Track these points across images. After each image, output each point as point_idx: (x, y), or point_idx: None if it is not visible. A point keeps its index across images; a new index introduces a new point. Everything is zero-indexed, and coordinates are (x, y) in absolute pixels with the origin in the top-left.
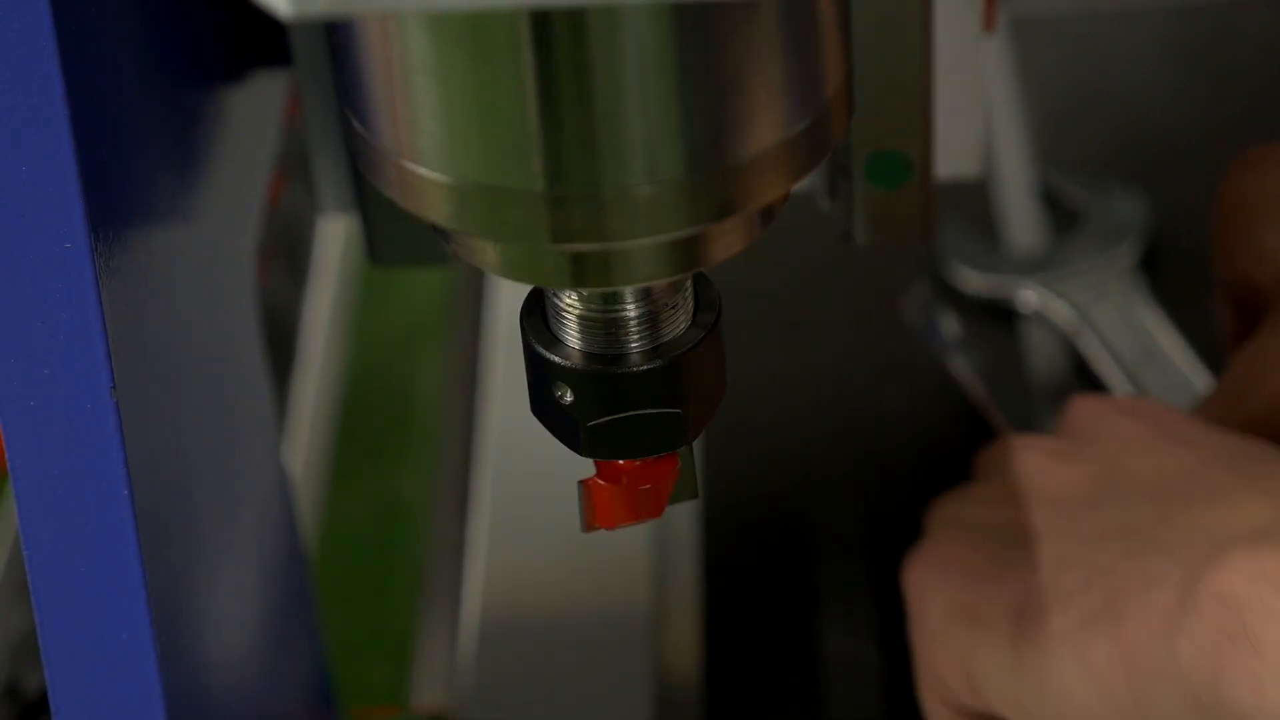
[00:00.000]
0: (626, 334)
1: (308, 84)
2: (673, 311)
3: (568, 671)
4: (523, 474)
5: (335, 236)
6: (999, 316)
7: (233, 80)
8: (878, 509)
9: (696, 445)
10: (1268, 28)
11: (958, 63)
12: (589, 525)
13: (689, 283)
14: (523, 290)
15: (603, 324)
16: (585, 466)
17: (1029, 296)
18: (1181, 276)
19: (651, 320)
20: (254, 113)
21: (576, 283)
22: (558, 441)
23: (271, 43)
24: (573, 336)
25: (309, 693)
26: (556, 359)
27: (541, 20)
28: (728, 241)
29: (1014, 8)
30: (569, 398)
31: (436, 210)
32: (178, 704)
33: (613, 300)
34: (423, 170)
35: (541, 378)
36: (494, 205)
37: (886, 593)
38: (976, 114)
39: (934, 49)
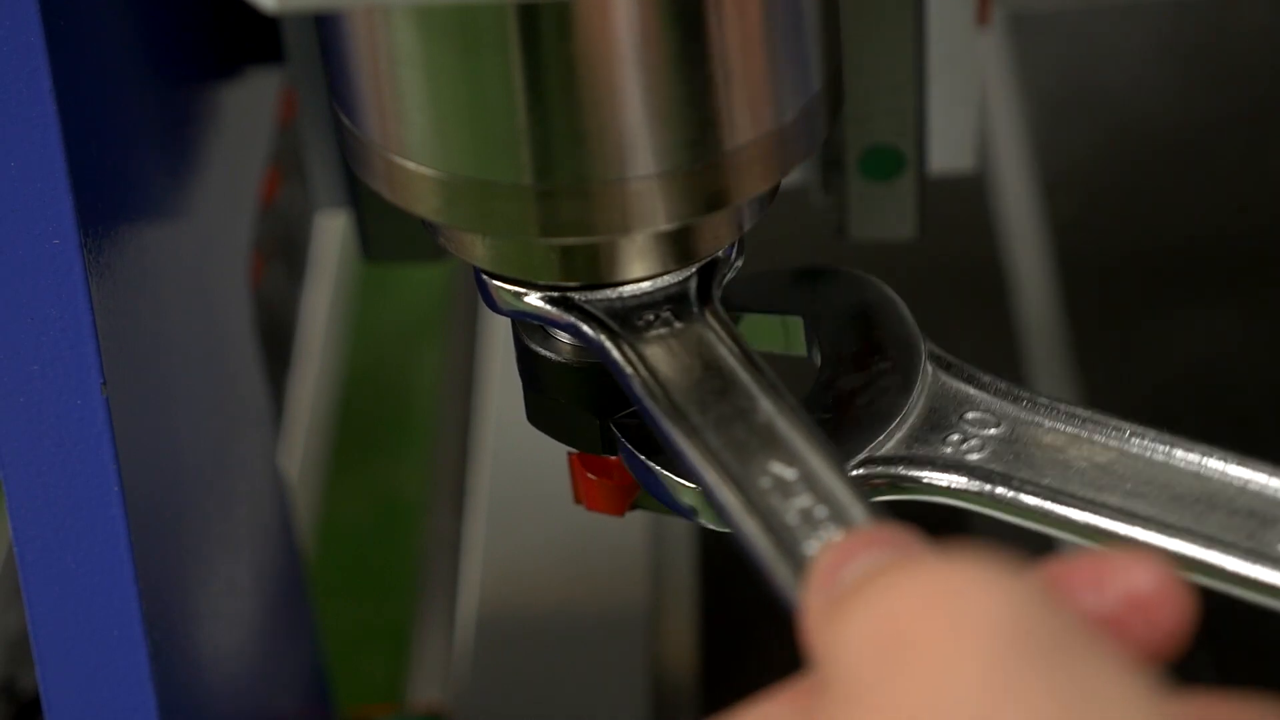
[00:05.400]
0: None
1: (302, 81)
2: None
3: (564, 668)
4: (520, 471)
5: (333, 234)
6: None
7: (225, 77)
8: None
9: None
10: (1263, 23)
11: (952, 56)
12: (575, 497)
13: None
14: None
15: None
16: None
17: None
18: (1178, 272)
19: None
20: (246, 110)
21: (565, 276)
22: (555, 439)
23: (264, 40)
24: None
25: (305, 690)
26: (520, 327)
27: (528, 14)
28: (715, 236)
29: (1010, 2)
30: (519, 358)
31: (425, 204)
32: (171, 702)
33: None
34: (411, 164)
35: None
36: (482, 199)
37: None
38: (971, 108)
39: (928, 43)
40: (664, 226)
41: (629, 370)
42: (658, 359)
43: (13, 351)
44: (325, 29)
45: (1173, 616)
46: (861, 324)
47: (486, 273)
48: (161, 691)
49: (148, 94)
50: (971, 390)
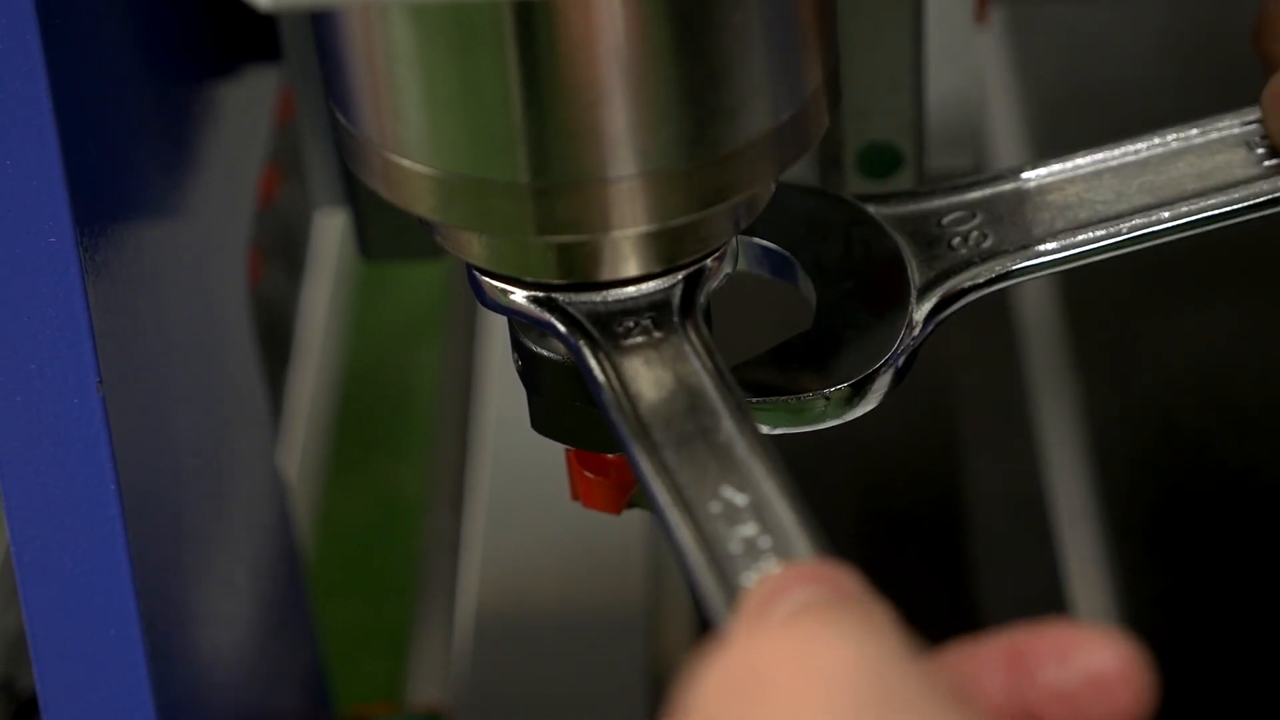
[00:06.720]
0: None
1: (301, 80)
2: None
3: (563, 667)
4: (520, 471)
5: (331, 233)
6: None
7: (222, 76)
8: (867, 505)
9: None
10: None
11: (951, 54)
12: (572, 494)
13: None
14: None
15: None
16: None
17: None
18: (1178, 272)
19: None
20: (244, 108)
21: (562, 274)
22: (564, 443)
23: (262, 38)
24: None
25: (304, 689)
26: (519, 330)
27: (523, 11)
28: (708, 236)
29: (1010, 1)
30: (520, 363)
31: (422, 203)
32: (169, 701)
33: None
34: (407, 163)
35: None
36: (479, 197)
37: (875, 588)
38: (969, 105)
39: (926, 40)
40: (657, 225)
41: (601, 379)
42: (631, 370)
43: (10, 350)
44: (321, 28)
45: (1132, 699)
46: (796, 213)
47: (478, 268)
48: (159, 691)
49: (145, 92)
50: (924, 204)
